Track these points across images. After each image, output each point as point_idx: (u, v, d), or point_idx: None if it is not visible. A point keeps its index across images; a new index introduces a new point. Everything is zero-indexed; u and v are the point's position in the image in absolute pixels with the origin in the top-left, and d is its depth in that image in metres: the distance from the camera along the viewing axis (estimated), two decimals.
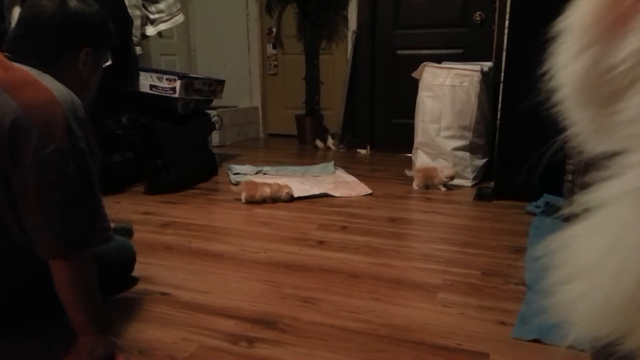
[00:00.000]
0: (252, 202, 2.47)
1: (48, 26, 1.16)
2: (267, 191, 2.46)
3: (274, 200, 2.48)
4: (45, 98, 1.04)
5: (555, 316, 0.44)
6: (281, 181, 2.61)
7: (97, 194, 1.13)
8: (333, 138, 4.09)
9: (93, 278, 1.12)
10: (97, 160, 1.15)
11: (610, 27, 0.40)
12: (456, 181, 2.83)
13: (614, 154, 0.41)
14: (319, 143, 4.14)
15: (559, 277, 0.44)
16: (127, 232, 1.97)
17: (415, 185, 2.77)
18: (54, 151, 1.02)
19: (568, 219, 0.47)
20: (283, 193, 2.49)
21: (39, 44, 1.16)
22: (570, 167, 1.96)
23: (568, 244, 0.44)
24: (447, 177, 2.70)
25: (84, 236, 1.10)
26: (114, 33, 1.34)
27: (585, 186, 0.42)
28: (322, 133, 4.24)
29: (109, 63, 2.53)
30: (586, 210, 0.42)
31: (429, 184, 2.75)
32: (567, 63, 0.44)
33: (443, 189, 2.73)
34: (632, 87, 0.38)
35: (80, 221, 1.10)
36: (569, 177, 1.97)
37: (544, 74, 0.47)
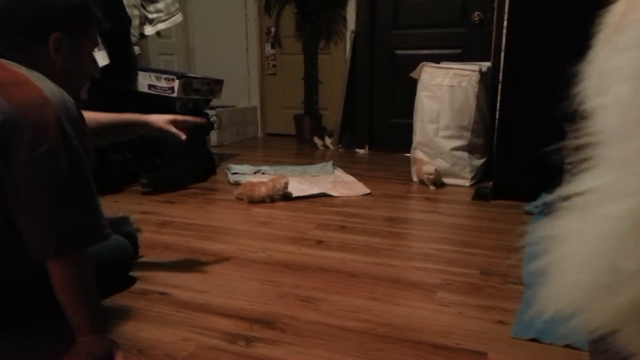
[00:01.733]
0: (253, 202, 2.48)
1: (11, 15, 1.12)
2: (262, 190, 2.46)
3: (272, 198, 2.48)
4: (36, 97, 1.03)
5: (536, 305, 0.47)
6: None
7: (92, 192, 1.12)
8: (330, 136, 4.09)
9: (90, 278, 1.12)
10: (91, 158, 1.14)
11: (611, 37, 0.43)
12: (454, 181, 2.84)
13: (595, 148, 0.43)
14: (317, 141, 4.14)
15: (538, 268, 0.46)
16: (129, 224, 1.92)
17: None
18: (46, 151, 1.01)
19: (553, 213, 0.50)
20: (281, 185, 2.47)
21: (6, 35, 1.12)
22: (569, 167, 1.96)
23: (547, 238, 0.46)
24: (426, 173, 2.75)
25: (79, 235, 1.10)
26: (98, 15, 1.24)
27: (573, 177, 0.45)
28: (321, 132, 4.24)
29: (107, 62, 2.54)
30: (570, 201, 0.44)
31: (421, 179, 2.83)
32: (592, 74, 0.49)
33: (432, 187, 2.76)
34: (605, 88, 0.41)
35: (75, 220, 1.09)
36: (568, 177, 1.98)
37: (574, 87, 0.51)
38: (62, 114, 1.05)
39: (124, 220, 1.80)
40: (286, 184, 2.49)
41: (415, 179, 2.92)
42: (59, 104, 1.05)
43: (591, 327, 0.42)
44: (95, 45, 1.28)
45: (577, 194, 0.44)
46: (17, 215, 1.05)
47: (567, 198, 0.45)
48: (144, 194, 2.61)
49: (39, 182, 1.02)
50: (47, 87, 1.06)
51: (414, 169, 2.93)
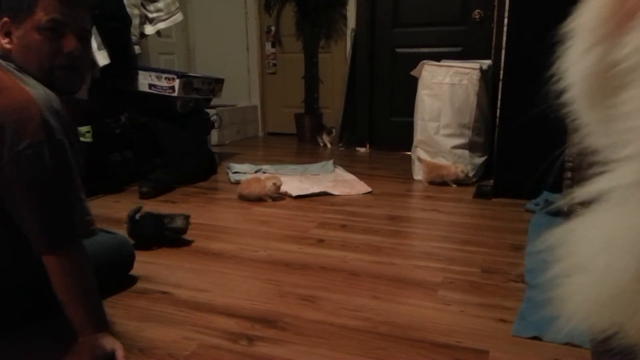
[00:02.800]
0: (250, 200, 2.48)
1: None
2: (256, 190, 2.45)
3: (272, 198, 2.47)
4: (20, 97, 1.03)
5: (553, 310, 0.45)
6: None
7: (77, 187, 1.12)
8: (328, 134, 4.08)
9: (89, 276, 1.12)
10: (78, 151, 1.14)
11: (617, 25, 0.40)
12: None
13: (610, 148, 0.41)
14: (320, 140, 4.15)
15: (557, 272, 0.45)
16: (183, 223, 1.88)
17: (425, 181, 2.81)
18: (28, 146, 1.02)
19: (566, 215, 0.48)
20: (269, 184, 2.45)
21: None
22: (570, 164, 1.96)
23: (566, 239, 0.45)
24: (462, 172, 2.75)
25: (66, 230, 1.10)
26: None
27: (583, 180, 0.43)
28: (321, 130, 4.25)
29: (107, 62, 2.54)
30: (583, 205, 0.43)
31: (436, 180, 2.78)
32: (575, 62, 0.44)
33: (453, 185, 2.77)
34: (632, 82, 0.39)
35: (61, 215, 1.09)
36: (569, 174, 1.98)
37: (552, 75, 0.47)
38: (44, 108, 1.05)
39: (182, 217, 1.85)
40: (274, 185, 2.46)
41: (423, 179, 2.83)
42: (41, 99, 1.05)
43: (608, 331, 0.41)
44: (48, 15, 1.10)
45: (599, 195, 0.42)
46: (15, 212, 1.06)
47: (585, 199, 0.43)
48: (142, 198, 2.53)
49: (25, 176, 1.03)
50: (31, 85, 1.06)
51: (423, 170, 2.84)
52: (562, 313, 0.44)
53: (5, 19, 1.12)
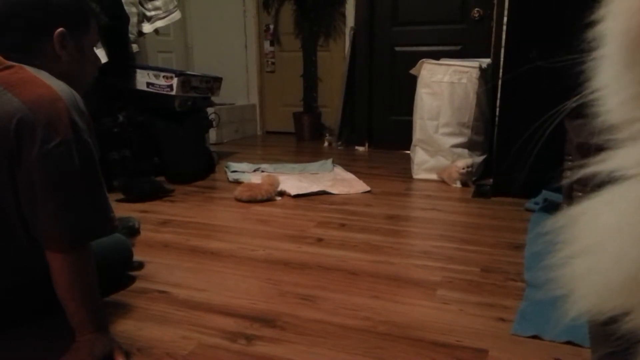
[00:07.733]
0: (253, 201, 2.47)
1: (13, 13, 1.12)
2: (255, 197, 2.44)
3: (269, 199, 2.47)
4: (46, 94, 1.04)
5: (556, 289, 0.44)
6: (279, 177, 2.59)
7: (102, 185, 1.14)
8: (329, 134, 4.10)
9: (92, 275, 1.12)
10: (97, 153, 1.15)
11: None
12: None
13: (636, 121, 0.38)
14: (326, 141, 4.16)
15: (563, 254, 0.44)
16: (131, 229, 1.95)
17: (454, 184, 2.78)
18: (59, 145, 1.03)
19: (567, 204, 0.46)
20: (265, 190, 2.45)
21: (9, 33, 1.13)
22: (569, 163, 1.96)
23: (575, 221, 0.43)
24: (464, 168, 2.69)
25: (90, 227, 1.11)
26: (97, 10, 1.26)
27: (598, 153, 0.40)
28: (320, 130, 4.25)
29: (105, 60, 2.53)
30: (598, 180, 0.41)
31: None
32: (620, 13, 0.40)
33: (457, 185, 2.74)
34: None
35: (87, 213, 1.10)
36: (568, 173, 1.97)
37: (587, 25, 0.43)
38: (72, 108, 1.06)
39: (127, 219, 1.81)
40: (272, 187, 2.46)
41: (447, 180, 2.78)
42: (68, 98, 1.06)
43: (613, 313, 0.39)
44: (96, 41, 1.28)
45: (613, 172, 0.40)
46: (30, 210, 1.06)
47: (595, 177, 0.40)
48: (119, 200, 2.46)
49: (52, 174, 1.03)
50: (55, 83, 1.08)
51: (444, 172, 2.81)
52: (569, 295, 0.43)
53: (62, 29, 1.15)
